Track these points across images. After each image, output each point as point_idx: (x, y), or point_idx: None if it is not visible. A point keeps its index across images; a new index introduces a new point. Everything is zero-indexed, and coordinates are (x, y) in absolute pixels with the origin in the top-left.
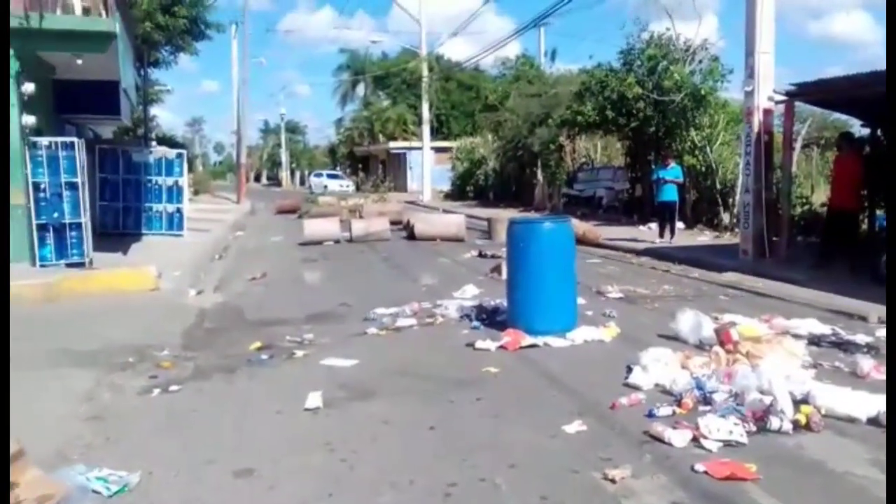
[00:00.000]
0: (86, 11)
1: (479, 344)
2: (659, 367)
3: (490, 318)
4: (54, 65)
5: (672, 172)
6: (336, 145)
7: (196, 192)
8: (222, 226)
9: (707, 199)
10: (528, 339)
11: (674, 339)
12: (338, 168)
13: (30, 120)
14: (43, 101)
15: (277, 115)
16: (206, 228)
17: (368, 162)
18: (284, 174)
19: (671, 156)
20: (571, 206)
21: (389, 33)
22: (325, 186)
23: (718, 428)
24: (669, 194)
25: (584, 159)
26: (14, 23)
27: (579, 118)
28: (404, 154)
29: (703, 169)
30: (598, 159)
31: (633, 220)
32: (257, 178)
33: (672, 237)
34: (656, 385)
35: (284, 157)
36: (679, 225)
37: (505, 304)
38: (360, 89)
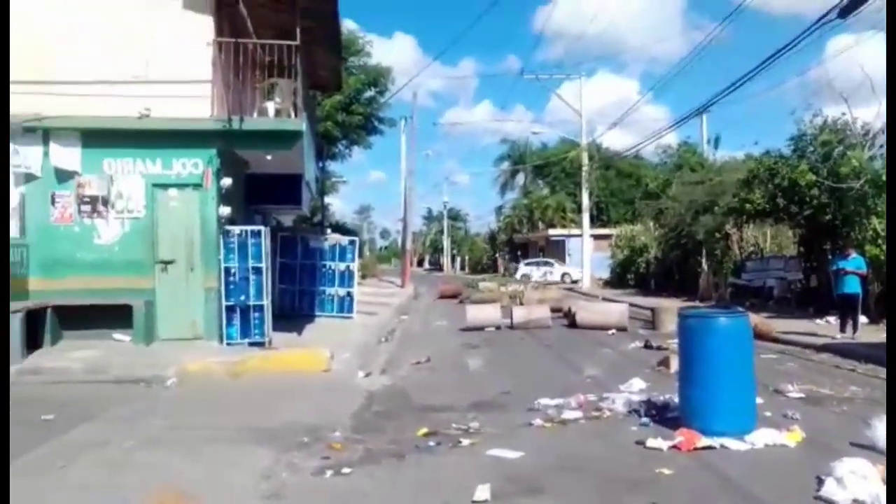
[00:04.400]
0: (277, 113)
1: (650, 442)
2: (856, 481)
3: (660, 415)
4: (248, 160)
5: (853, 263)
6: (496, 232)
7: (363, 276)
8: (388, 309)
9: None
10: (703, 440)
11: (870, 448)
12: (498, 254)
13: (225, 211)
14: (236, 194)
15: (440, 202)
16: (373, 311)
17: (527, 248)
18: (446, 260)
19: (851, 245)
20: (739, 297)
21: (549, 124)
22: (574, 279)
23: None
24: (851, 286)
25: (752, 248)
26: (218, 126)
27: (747, 206)
28: (563, 241)
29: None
30: (768, 248)
31: (808, 313)
32: (420, 263)
33: (855, 332)
34: (854, 501)
35: (446, 243)
36: (862, 319)
37: (675, 400)
38: (520, 178)
